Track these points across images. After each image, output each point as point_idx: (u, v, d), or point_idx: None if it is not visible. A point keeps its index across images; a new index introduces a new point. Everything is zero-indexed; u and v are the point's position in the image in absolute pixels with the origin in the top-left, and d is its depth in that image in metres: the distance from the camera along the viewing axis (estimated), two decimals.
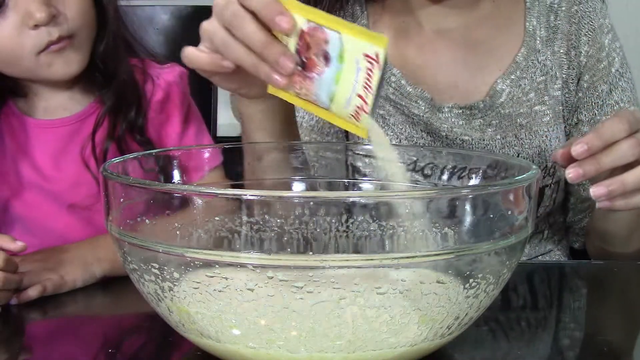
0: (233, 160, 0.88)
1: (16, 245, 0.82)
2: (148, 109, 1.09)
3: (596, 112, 1.10)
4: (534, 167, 0.69)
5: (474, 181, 0.81)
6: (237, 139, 1.11)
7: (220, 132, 1.69)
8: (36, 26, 0.98)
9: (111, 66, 1.07)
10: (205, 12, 0.78)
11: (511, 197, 0.64)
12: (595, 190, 0.83)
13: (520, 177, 0.66)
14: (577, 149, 0.81)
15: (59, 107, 1.08)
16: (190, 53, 0.80)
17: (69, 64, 1.02)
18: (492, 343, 0.75)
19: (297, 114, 1.07)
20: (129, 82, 1.08)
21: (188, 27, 1.63)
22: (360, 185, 0.92)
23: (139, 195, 0.65)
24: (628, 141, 0.82)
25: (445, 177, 0.85)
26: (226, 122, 1.75)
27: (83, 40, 1.03)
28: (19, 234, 1.00)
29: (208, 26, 0.78)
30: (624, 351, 0.74)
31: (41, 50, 0.99)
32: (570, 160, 0.83)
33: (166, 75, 1.12)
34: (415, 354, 0.64)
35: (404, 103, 1.09)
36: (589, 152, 0.81)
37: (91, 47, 1.05)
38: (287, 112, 0.95)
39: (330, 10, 1.08)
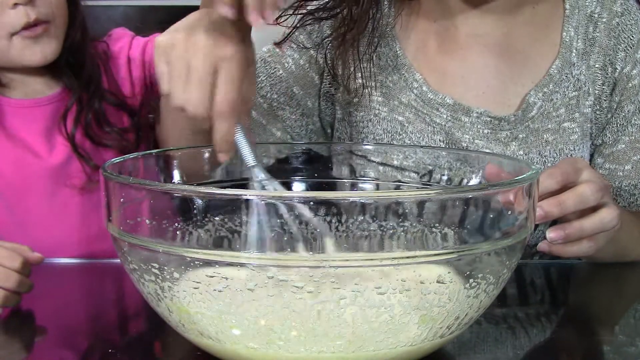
0: None
1: (34, 256, 0.82)
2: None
3: (620, 133, 1.05)
4: (534, 167, 0.69)
5: (474, 181, 0.81)
6: None
7: None
8: (15, 5, 1.00)
9: (79, 58, 1.11)
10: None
11: (511, 197, 0.64)
12: (552, 235, 0.81)
13: (520, 177, 0.66)
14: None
15: (37, 93, 1.11)
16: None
17: (43, 50, 1.04)
18: (492, 343, 0.75)
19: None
20: (94, 74, 1.12)
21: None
22: (360, 185, 0.92)
23: (139, 195, 0.65)
24: (589, 186, 0.80)
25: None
26: None
27: (58, 28, 1.06)
28: None
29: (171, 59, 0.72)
30: (623, 349, 0.74)
31: (15, 32, 1.01)
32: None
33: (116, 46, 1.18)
34: (415, 354, 0.64)
35: (425, 111, 1.05)
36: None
37: (64, 37, 1.08)
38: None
39: (367, 8, 1.05)
